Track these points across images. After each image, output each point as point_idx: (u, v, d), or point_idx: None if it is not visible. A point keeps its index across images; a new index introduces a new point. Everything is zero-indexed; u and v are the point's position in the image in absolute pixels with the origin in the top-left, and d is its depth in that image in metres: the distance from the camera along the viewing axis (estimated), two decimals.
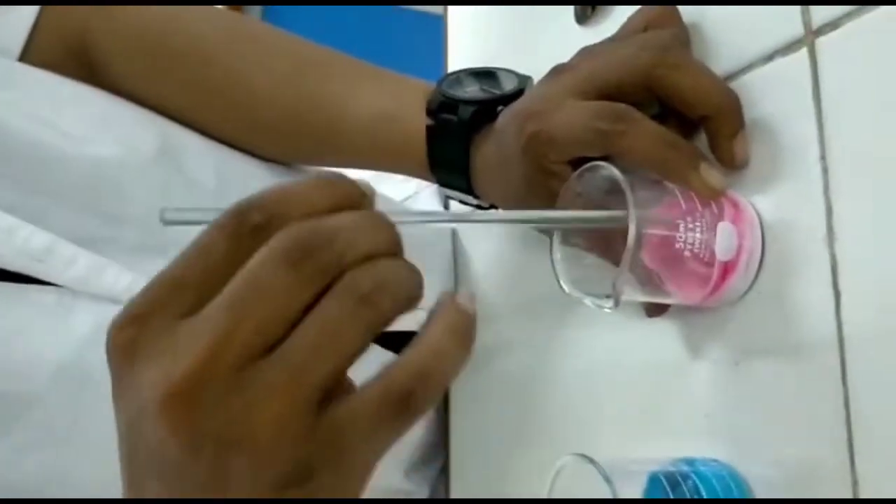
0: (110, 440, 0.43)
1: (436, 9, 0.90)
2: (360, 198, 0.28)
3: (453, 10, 0.72)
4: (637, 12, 0.45)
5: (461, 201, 0.53)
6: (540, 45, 0.58)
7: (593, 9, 0.52)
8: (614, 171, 0.36)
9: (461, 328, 0.28)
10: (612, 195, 0.38)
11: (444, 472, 0.64)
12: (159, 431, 0.25)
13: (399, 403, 0.26)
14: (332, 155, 0.57)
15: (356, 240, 0.27)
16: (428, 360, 0.27)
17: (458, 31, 0.71)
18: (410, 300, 0.27)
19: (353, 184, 0.28)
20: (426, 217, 0.33)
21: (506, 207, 0.49)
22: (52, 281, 0.45)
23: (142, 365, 0.26)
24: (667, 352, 0.42)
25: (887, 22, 0.34)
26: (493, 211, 0.51)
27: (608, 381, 0.46)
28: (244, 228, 0.26)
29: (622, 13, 0.50)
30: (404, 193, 0.70)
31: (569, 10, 0.55)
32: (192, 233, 0.48)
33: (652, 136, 0.38)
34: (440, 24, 0.76)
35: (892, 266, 0.33)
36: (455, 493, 0.61)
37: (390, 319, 0.27)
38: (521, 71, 0.52)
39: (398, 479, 0.61)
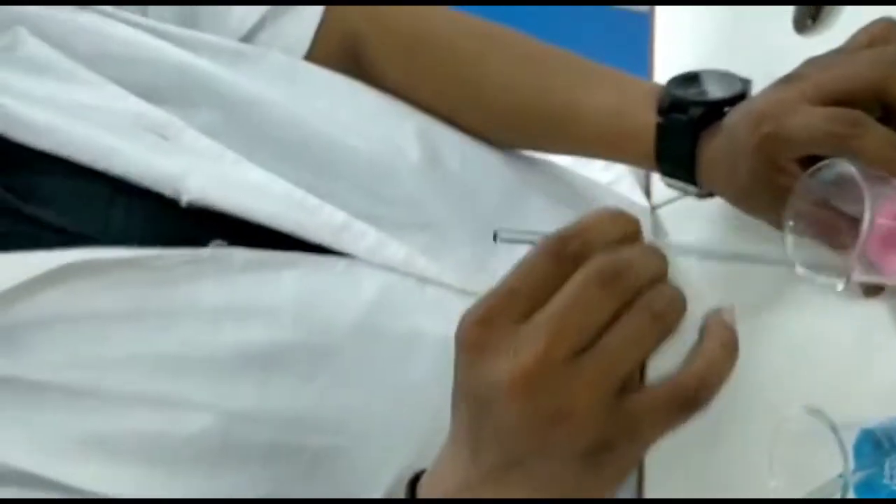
0: (397, 385, 0.53)
1: (639, 7, 0.95)
2: (638, 230, 0.37)
3: (661, 11, 0.78)
4: (862, 28, 0.50)
5: (681, 189, 0.60)
6: (753, 52, 0.64)
7: (814, 20, 0.58)
8: (850, 167, 0.42)
9: (730, 343, 0.37)
10: (843, 190, 0.44)
11: None
12: (506, 407, 0.35)
13: (684, 403, 0.35)
14: (561, 144, 0.65)
15: (645, 267, 0.36)
16: (708, 370, 0.36)
17: (666, 32, 0.77)
18: (684, 313, 0.36)
19: (635, 221, 0.37)
20: (688, 249, 0.41)
21: (729, 196, 0.56)
22: (346, 252, 0.54)
23: (490, 358, 0.35)
24: (875, 327, 0.48)
25: None
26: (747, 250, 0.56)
27: (817, 353, 0.52)
28: (565, 254, 0.35)
29: (843, 24, 0.56)
30: (606, 178, 0.77)
31: (786, 17, 0.60)
32: (434, 214, 0.55)
33: (884, 139, 0.44)
34: (642, 22, 0.82)
35: None
36: (651, 460, 0.67)
37: (673, 331, 0.36)
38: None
39: None
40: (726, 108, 0.55)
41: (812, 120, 0.46)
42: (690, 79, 0.59)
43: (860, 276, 0.44)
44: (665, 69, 0.77)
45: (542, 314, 0.35)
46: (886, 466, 0.43)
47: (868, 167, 0.44)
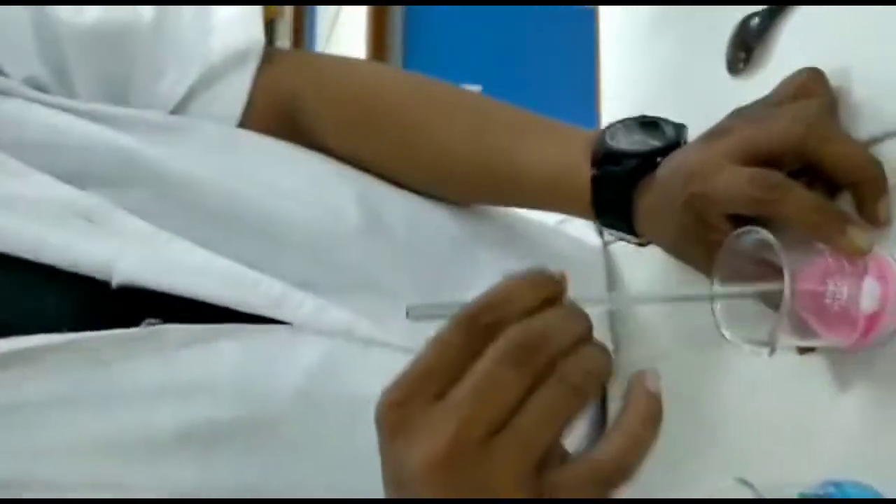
0: (343, 452, 0.52)
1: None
2: (559, 291, 0.37)
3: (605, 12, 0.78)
4: (788, 79, 0.50)
5: (620, 238, 0.60)
6: (689, 92, 0.64)
7: (745, 63, 0.57)
8: (769, 237, 0.42)
9: (652, 415, 0.36)
10: (767, 252, 0.44)
11: None
12: (423, 489, 0.34)
13: (603, 482, 0.35)
14: (507, 198, 0.65)
15: (562, 335, 0.35)
16: (627, 448, 0.35)
17: (609, 33, 0.77)
18: (606, 378, 0.36)
19: (553, 280, 0.37)
20: (612, 302, 0.40)
21: (664, 247, 0.56)
22: (286, 321, 0.53)
23: (406, 440, 0.35)
24: (815, 383, 0.48)
25: None
26: (667, 292, 0.57)
27: (759, 406, 0.52)
28: (475, 329, 0.35)
29: (774, 66, 0.55)
30: (557, 217, 0.76)
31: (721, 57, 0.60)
32: (379, 275, 0.55)
33: (804, 203, 0.44)
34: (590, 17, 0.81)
35: None
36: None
37: (594, 399, 0.35)
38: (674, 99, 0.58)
39: None
40: (659, 159, 0.54)
41: (735, 182, 0.46)
42: (629, 125, 0.59)
43: (787, 342, 0.44)
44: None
45: (454, 395, 0.34)
46: None
47: (791, 230, 0.44)
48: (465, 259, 0.64)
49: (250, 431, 0.51)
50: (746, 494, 0.43)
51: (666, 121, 0.58)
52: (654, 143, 0.56)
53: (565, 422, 0.35)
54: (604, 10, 0.78)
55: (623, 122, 0.59)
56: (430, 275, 0.62)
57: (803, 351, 0.48)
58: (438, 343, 0.35)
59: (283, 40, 3.55)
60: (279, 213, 0.58)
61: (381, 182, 0.64)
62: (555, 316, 0.36)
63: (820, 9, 0.52)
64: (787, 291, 0.40)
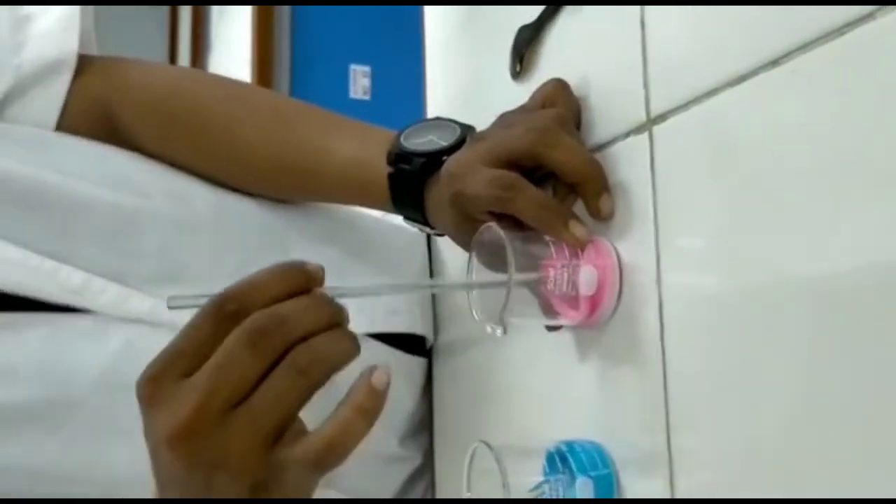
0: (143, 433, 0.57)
1: None
2: (309, 282, 0.42)
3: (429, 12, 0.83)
4: (539, 89, 0.56)
5: (420, 228, 0.66)
6: (482, 96, 0.71)
7: (520, 69, 0.63)
8: (499, 231, 0.48)
9: (368, 408, 0.41)
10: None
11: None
12: (169, 458, 0.40)
13: (315, 464, 0.41)
14: (312, 194, 0.70)
15: (300, 321, 0.40)
16: (337, 434, 0.41)
17: (432, 33, 0.83)
18: (341, 362, 0.41)
19: (302, 272, 0.42)
20: (362, 291, 0.45)
21: (450, 237, 0.61)
22: (88, 309, 0.58)
23: (156, 413, 0.40)
24: (564, 357, 0.55)
25: (707, 114, 0.45)
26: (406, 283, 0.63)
27: (538, 374, 0.59)
28: (222, 315, 0.40)
29: (542, 72, 0.62)
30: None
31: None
32: (186, 263, 0.60)
33: (532, 201, 0.50)
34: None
35: (701, 305, 0.45)
36: (439, 458, 0.74)
37: (323, 382, 0.40)
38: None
39: (393, 446, 0.74)
40: (444, 157, 0.60)
41: (481, 182, 0.52)
42: (424, 126, 0.64)
43: (529, 320, 0.51)
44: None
45: (200, 372, 0.40)
46: (546, 487, 0.49)
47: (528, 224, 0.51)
48: (275, 248, 0.69)
49: (52, 412, 0.55)
50: (490, 456, 0.49)
51: (455, 122, 0.64)
52: (441, 143, 0.62)
53: (294, 403, 0.40)
54: (428, 10, 0.83)
55: (420, 122, 0.65)
56: (238, 264, 0.65)
57: (551, 329, 0.55)
58: (190, 327, 0.41)
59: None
60: (86, 205, 0.60)
61: (194, 177, 0.68)
62: (297, 304, 0.41)
63: (577, 21, 0.58)
64: (509, 279, 0.47)
